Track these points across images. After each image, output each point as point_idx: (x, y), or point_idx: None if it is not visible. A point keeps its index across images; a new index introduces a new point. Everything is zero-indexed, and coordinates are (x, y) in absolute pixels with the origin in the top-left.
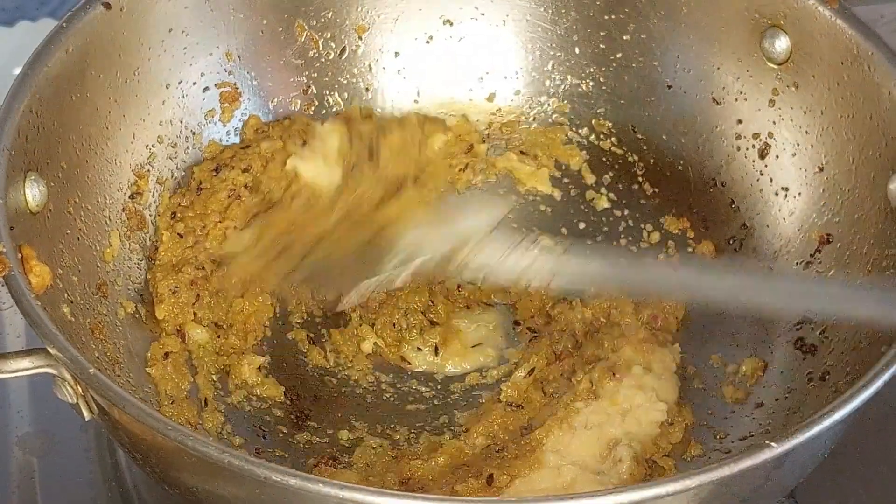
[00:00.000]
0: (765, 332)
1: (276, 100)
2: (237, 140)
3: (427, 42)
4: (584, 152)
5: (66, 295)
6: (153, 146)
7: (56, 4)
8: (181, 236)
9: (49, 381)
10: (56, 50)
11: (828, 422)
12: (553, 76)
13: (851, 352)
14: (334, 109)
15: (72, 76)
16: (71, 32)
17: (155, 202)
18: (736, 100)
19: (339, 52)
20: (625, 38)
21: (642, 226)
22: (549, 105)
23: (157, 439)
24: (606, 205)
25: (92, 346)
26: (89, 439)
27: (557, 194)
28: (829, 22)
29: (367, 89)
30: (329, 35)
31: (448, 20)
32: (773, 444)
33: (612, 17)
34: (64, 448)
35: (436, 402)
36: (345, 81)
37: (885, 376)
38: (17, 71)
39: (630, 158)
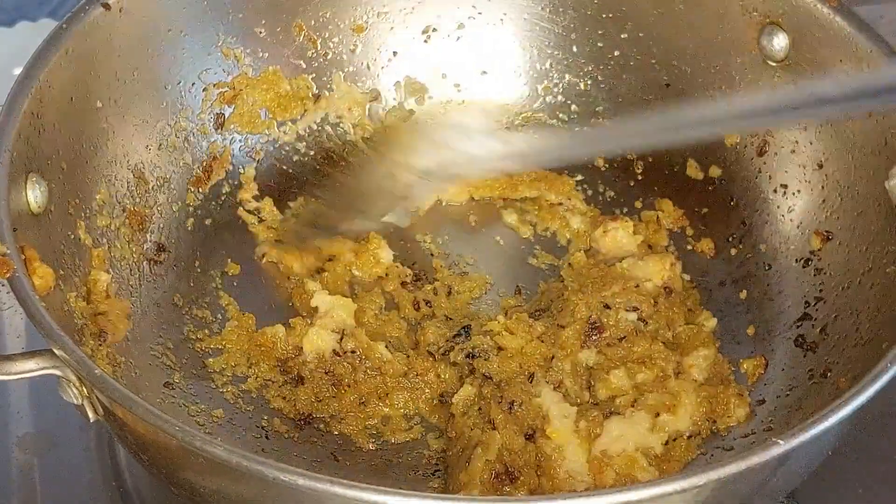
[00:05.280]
0: (766, 330)
1: None
2: (234, 139)
3: (425, 41)
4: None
5: (67, 296)
6: (152, 147)
7: (56, 4)
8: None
9: (49, 382)
10: (56, 51)
11: (834, 419)
12: (551, 74)
13: (852, 348)
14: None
15: (71, 77)
16: (70, 34)
17: (156, 202)
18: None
19: (337, 51)
20: (622, 36)
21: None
22: (547, 104)
23: (163, 439)
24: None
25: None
26: (89, 439)
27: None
28: (827, 19)
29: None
30: (327, 34)
31: (446, 19)
32: (780, 441)
33: (610, 15)
34: (64, 448)
35: None
36: None
37: (891, 372)
38: (18, 71)
39: (628, 156)
